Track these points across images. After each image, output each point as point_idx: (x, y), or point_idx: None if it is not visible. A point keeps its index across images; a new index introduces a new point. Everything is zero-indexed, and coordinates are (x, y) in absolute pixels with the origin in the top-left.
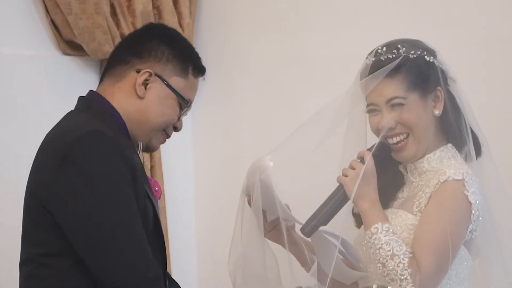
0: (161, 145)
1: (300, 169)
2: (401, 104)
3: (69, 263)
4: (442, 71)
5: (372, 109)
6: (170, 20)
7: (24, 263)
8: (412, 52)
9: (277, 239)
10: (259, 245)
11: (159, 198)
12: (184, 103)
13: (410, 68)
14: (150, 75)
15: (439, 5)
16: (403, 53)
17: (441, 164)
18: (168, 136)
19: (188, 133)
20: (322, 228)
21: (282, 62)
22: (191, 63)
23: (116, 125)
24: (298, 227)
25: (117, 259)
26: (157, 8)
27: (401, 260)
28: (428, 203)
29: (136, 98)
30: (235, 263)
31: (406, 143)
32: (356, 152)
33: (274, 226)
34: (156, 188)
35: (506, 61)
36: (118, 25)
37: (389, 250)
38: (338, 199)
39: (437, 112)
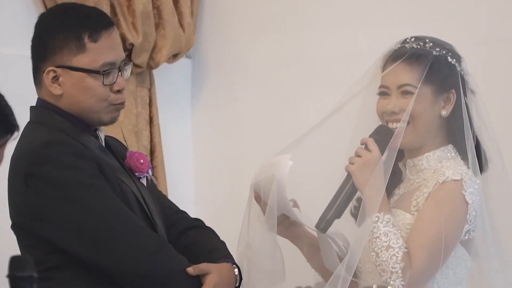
0: (162, 146)
1: (314, 165)
2: (411, 93)
3: (70, 272)
4: (463, 78)
5: (383, 91)
6: (170, 20)
7: None
8: (438, 49)
9: (284, 234)
10: (266, 237)
11: (148, 171)
12: (99, 75)
13: (431, 62)
14: (54, 71)
15: (439, 4)
16: (428, 48)
17: (440, 164)
18: (120, 102)
19: (188, 133)
20: (330, 229)
21: (282, 62)
22: (82, 33)
23: (69, 124)
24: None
25: (118, 251)
26: (157, 8)
27: (396, 253)
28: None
29: (59, 96)
30: (241, 253)
31: (404, 131)
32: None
33: (280, 222)
34: (142, 161)
35: (507, 61)
36: (118, 25)
37: (386, 241)
38: (348, 189)
39: (444, 112)
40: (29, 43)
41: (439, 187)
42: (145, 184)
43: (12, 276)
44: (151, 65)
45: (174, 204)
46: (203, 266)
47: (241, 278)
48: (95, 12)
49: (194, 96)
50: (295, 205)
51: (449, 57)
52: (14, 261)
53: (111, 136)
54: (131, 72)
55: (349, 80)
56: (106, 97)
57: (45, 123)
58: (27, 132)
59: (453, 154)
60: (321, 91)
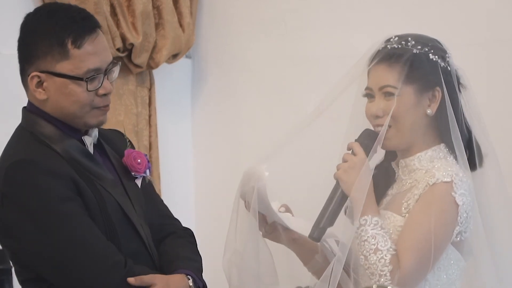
0: (161, 144)
1: (298, 172)
2: (393, 94)
3: (45, 286)
4: (449, 74)
5: (368, 93)
6: (170, 20)
7: None
8: (419, 47)
9: (279, 240)
10: (254, 242)
11: (146, 171)
12: (83, 82)
13: (410, 61)
14: (38, 76)
15: (439, 5)
16: (410, 46)
17: (432, 164)
18: (105, 105)
19: (188, 133)
20: (327, 231)
21: (282, 61)
22: (66, 39)
23: (53, 129)
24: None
25: (78, 281)
26: (157, 8)
27: (384, 256)
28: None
29: (44, 101)
30: (229, 260)
31: (388, 133)
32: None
33: (274, 229)
34: (139, 161)
35: (507, 61)
36: (118, 25)
37: (374, 244)
38: (338, 196)
39: (429, 111)
40: None
41: (429, 189)
42: (140, 185)
43: None
44: (151, 65)
45: (165, 208)
46: (147, 278)
47: None
48: (80, 16)
49: (194, 96)
50: (287, 210)
51: (430, 54)
52: None
53: (114, 130)
54: (131, 72)
55: None
56: (90, 102)
57: (30, 129)
58: (12, 139)
59: (445, 154)
60: (321, 91)
